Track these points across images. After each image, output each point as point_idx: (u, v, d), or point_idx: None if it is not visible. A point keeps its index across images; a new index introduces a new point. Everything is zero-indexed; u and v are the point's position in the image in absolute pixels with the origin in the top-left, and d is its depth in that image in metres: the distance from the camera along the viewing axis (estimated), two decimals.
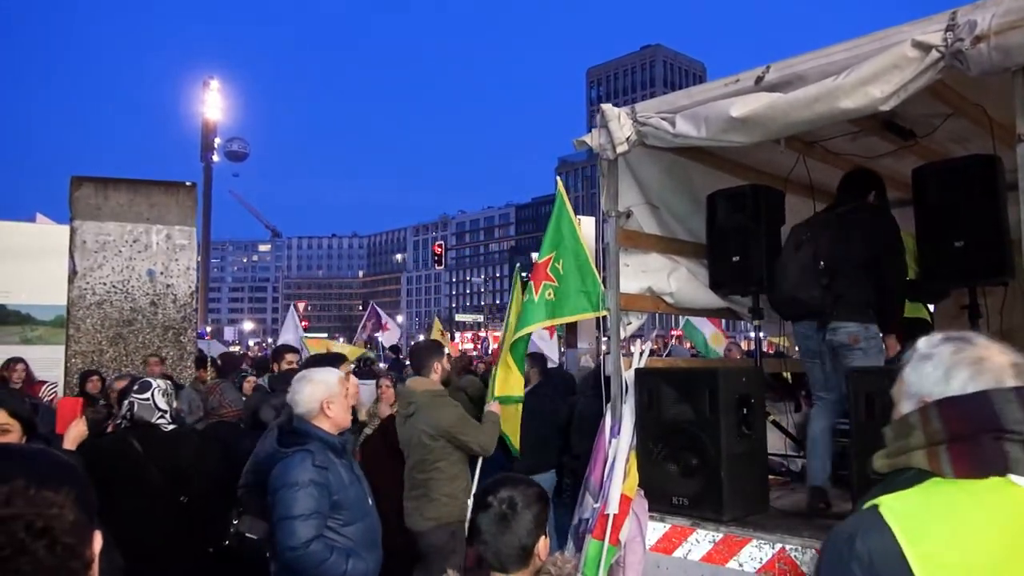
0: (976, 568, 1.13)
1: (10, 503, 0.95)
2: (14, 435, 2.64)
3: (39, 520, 0.95)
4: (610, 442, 4.05)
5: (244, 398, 5.53)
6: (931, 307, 5.33)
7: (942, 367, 1.35)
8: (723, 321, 11.21)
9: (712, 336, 11.50)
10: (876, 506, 1.24)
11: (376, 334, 17.22)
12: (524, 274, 5.23)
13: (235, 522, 3.72)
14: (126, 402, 3.71)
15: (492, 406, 4.73)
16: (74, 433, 3.26)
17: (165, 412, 3.78)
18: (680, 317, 11.65)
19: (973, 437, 1.24)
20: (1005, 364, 1.32)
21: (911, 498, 1.24)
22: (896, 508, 1.23)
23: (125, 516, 3.07)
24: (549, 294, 4.60)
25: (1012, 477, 1.20)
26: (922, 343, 1.43)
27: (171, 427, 3.79)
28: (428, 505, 4.25)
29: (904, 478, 1.30)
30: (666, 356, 7.64)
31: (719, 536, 3.53)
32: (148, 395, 3.72)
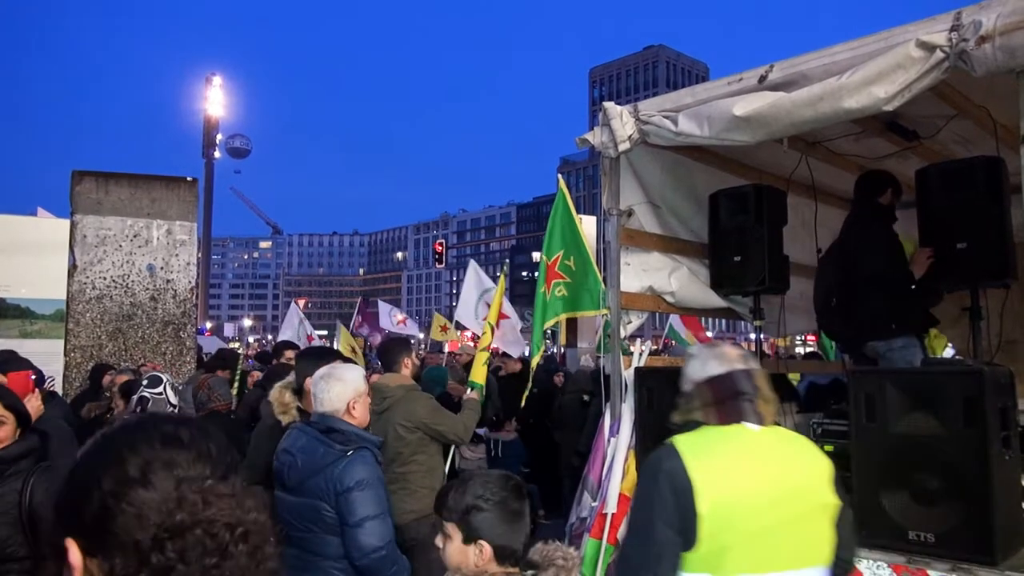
0: (724, 469, 2.00)
1: (209, 504, 0.88)
2: (8, 427, 2.63)
3: (240, 525, 0.88)
4: (609, 441, 4.04)
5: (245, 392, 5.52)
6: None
7: (703, 361, 2.21)
8: (701, 320, 12.27)
9: (687, 334, 12.20)
10: (672, 442, 2.08)
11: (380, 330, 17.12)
12: (532, 266, 5.25)
13: None
14: (136, 397, 3.69)
15: (472, 394, 4.90)
16: (30, 409, 3.21)
17: (176, 407, 3.79)
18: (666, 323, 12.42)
19: (725, 400, 2.10)
20: (736, 356, 2.19)
21: (691, 436, 2.10)
22: (682, 441, 2.07)
23: None
24: (560, 291, 4.67)
25: (744, 424, 2.08)
26: (691, 350, 2.37)
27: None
28: (409, 498, 4.26)
29: (688, 427, 2.15)
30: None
31: None
32: (160, 389, 3.72)
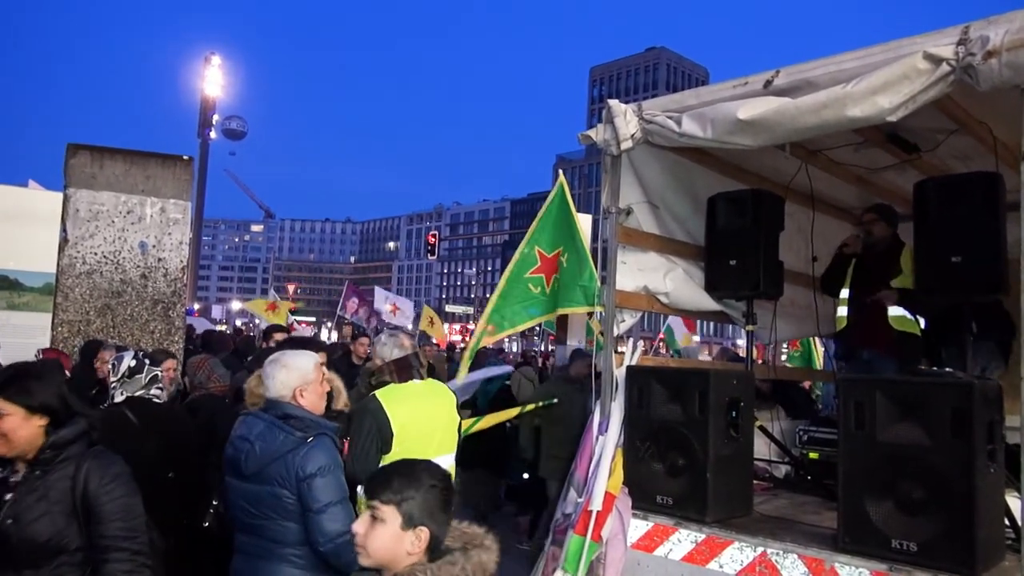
0: (404, 404, 3.53)
1: None
2: (14, 419, 2.56)
3: None
4: (597, 438, 4.04)
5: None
6: (922, 323, 5.35)
7: (390, 347, 3.67)
8: (697, 322, 12.31)
9: (683, 336, 12.22)
10: (374, 394, 3.54)
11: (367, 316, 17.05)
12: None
13: (215, 502, 3.64)
14: (147, 373, 3.62)
15: None
16: None
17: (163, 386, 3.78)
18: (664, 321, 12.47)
19: (403, 370, 3.63)
20: (409, 345, 3.74)
21: (384, 390, 3.56)
22: (380, 393, 3.54)
23: None
24: (557, 285, 4.68)
25: (413, 381, 3.66)
26: (381, 338, 3.85)
27: (162, 401, 3.77)
28: None
29: (381, 385, 3.60)
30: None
31: (701, 537, 3.54)
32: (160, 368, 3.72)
